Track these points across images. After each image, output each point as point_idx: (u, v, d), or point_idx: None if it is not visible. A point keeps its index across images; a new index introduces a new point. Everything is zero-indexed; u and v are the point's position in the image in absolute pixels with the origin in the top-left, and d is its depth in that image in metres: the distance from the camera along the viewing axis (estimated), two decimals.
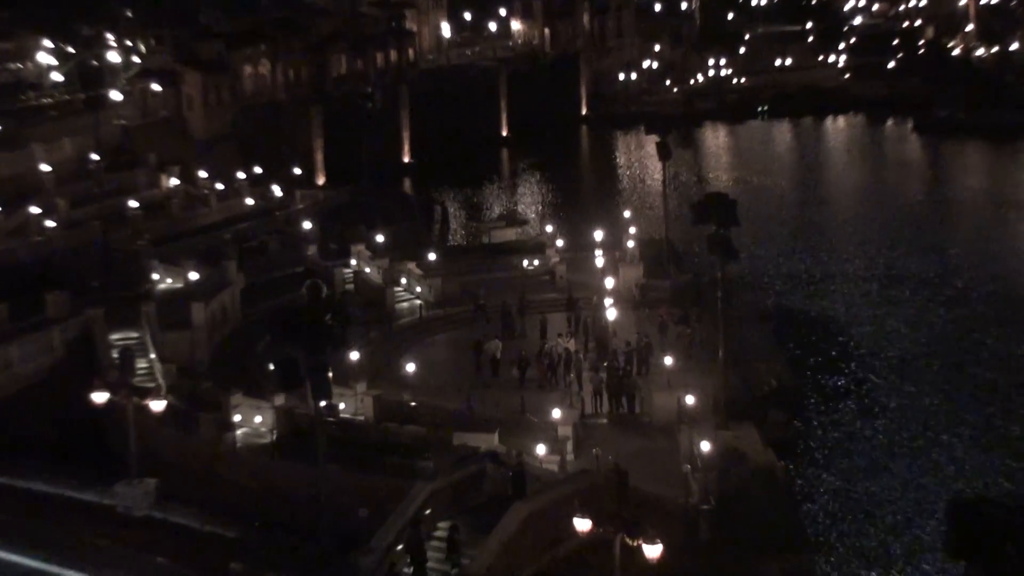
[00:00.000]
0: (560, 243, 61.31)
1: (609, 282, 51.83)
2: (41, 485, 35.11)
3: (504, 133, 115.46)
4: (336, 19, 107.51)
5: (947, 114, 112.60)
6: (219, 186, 72.52)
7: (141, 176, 71.65)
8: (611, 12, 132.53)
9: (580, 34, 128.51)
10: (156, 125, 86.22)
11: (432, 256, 59.69)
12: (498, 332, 47.92)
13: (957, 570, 28.45)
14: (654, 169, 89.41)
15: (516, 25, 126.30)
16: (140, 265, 54.42)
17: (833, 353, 53.34)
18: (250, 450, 37.39)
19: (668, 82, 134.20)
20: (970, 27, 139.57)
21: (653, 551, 22.98)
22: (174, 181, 72.21)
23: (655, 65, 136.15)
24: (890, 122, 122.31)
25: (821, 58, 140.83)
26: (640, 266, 55.46)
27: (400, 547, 29.31)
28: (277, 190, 73.64)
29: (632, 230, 59.83)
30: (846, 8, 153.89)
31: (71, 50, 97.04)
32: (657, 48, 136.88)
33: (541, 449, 35.50)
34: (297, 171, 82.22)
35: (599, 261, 56.21)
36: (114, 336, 44.65)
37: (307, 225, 64.18)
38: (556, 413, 38.17)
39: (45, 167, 68.47)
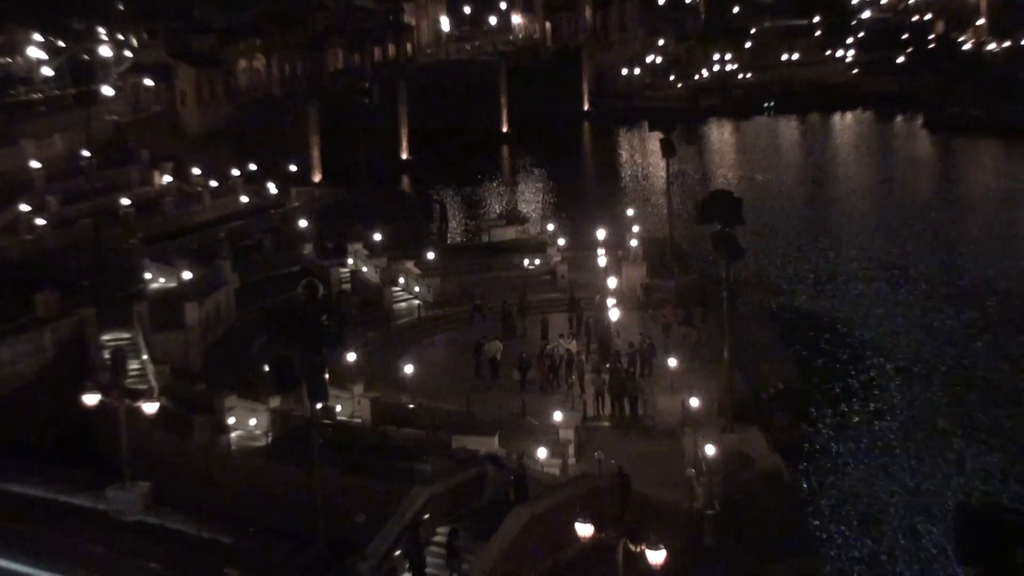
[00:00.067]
0: (561, 242, 60.99)
1: (612, 282, 51.51)
2: (31, 489, 34.95)
3: (504, 129, 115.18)
4: (333, 13, 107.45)
5: (958, 110, 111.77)
6: (213, 183, 72.21)
7: (133, 173, 71.46)
8: (614, 5, 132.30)
9: (582, 28, 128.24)
10: (149, 121, 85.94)
11: (431, 255, 59.35)
12: (498, 333, 47.59)
13: None
14: (658, 166, 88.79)
15: (516, 19, 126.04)
16: (132, 264, 54.21)
17: (841, 354, 52.93)
18: (245, 453, 37.12)
19: (672, 77, 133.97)
20: (981, 21, 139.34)
21: (656, 557, 22.66)
22: (167, 178, 72.04)
23: (659, 60, 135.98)
24: (899, 118, 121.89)
25: (829, 53, 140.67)
26: (643, 265, 55.05)
27: (398, 552, 29.09)
28: (272, 187, 73.26)
29: (635, 228, 59.42)
30: (854, 2, 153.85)
31: (62, 44, 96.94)
32: (661, 42, 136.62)
33: (542, 453, 35.27)
34: (293, 168, 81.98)
35: (601, 260, 55.93)
36: (106, 337, 44.52)
37: (303, 223, 63.66)
38: (557, 416, 37.86)
39: (35, 164, 68.40)
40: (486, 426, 37.36)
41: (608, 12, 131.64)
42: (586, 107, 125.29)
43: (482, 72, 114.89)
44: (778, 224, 77.73)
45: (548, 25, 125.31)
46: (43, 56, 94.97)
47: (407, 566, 28.84)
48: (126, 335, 44.68)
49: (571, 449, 36.57)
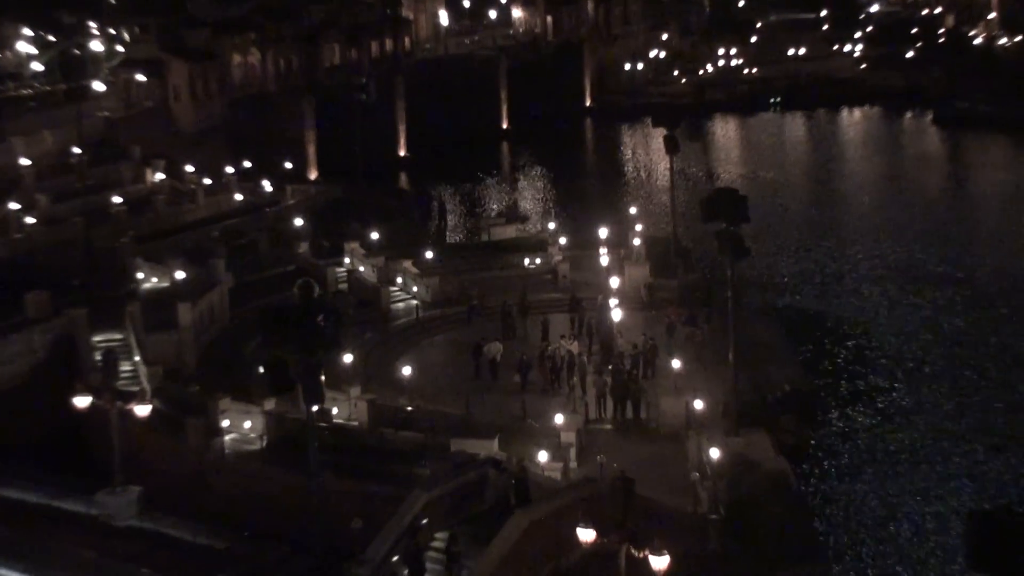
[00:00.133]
0: (563, 241, 60.74)
1: (614, 281, 51.22)
2: (20, 493, 34.72)
3: (504, 126, 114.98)
4: (329, 6, 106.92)
5: (968, 106, 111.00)
6: (207, 181, 71.79)
7: (125, 170, 71.08)
8: None
9: (584, 22, 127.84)
10: (141, 117, 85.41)
11: (429, 254, 59.16)
12: (498, 334, 47.37)
13: None
14: (661, 163, 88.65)
15: (517, 13, 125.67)
16: (124, 263, 53.98)
17: (848, 356, 52.66)
18: (239, 456, 36.96)
19: (676, 72, 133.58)
20: (992, 15, 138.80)
21: (660, 562, 22.76)
22: (159, 176, 71.73)
23: (663, 54, 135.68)
24: (908, 114, 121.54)
25: (836, 47, 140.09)
26: (646, 265, 54.82)
27: (396, 558, 28.88)
28: (267, 185, 72.92)
29: (638, 227, 59.34)
30: None
31: (52, 39, 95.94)
32: (665, 37, 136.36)
33: (543, 456, 35.12)
34: (288, 165, 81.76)
35: (604, 259, 55.75)
36: (97, 338, 44.44)
37: (299, 222, 63.51)
38: (559, 418, 37.59)
39: (25, 161, 67.96)
40: (486, 429, 37.13)
41: (611, 6, 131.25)
42: (588, 103, 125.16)
43: (482, 67, 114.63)
44: (784, 222, 77.47)
45: (549, 19, 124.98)
46: (33, 51, 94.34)
47: (405, 572, 28.60)
48: (118, 336, 44.55)
49: (572, 452, 36.35)
